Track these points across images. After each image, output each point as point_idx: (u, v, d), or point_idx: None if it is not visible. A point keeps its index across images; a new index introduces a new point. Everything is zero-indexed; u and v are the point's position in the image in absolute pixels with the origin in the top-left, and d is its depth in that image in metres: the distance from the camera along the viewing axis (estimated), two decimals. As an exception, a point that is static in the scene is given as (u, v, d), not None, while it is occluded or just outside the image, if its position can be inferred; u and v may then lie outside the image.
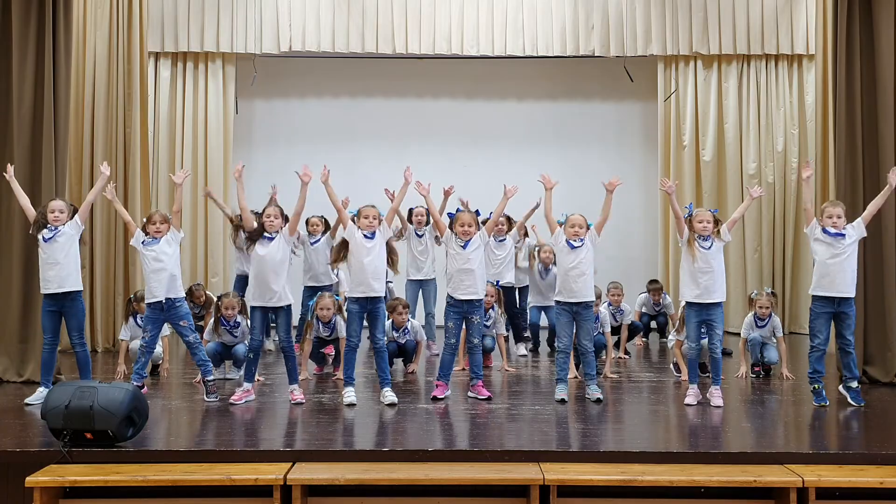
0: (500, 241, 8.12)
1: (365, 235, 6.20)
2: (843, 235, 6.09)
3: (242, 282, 8.45)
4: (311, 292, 7.64)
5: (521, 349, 8.60)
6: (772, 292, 7.66)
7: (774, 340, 7.42)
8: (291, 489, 4.52)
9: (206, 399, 6.22)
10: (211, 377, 6.32)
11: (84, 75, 8.80)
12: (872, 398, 6.46)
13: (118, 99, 8.98)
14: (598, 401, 6.22)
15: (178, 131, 10.76)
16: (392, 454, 4.88)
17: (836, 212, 6.15)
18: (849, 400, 6.17)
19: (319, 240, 7.84)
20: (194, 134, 10.78)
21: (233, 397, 6.19)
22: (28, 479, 4.50)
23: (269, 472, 4.58)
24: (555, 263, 8.07)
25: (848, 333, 6.14)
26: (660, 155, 10.93)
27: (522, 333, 8.66)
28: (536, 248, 8.55)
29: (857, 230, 6.16)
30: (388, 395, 6.19)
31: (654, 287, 9.38)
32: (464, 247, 6.29)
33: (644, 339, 9.49)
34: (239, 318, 7.05)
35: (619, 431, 5.59)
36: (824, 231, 6.13)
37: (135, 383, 5.97)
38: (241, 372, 6.60)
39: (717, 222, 6.24)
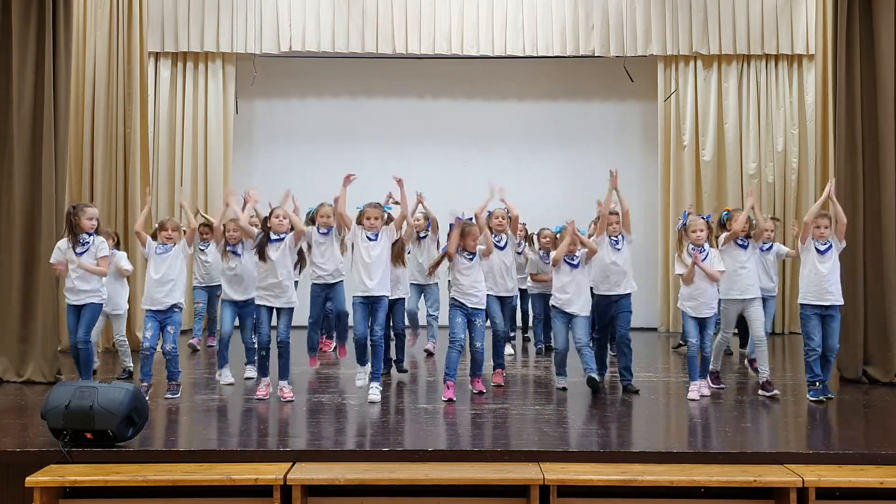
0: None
1: (368, 237, 6.32)
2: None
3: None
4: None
5: (508, 348, 8.59)
6: (773, 217, 7.62)
7: (774, 278, 7.31)
8: (291, 489, 4.52)
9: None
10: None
11: (84, 75, 8.80)
12: (872, 398, 6.47)
13: (118, 99, 8.97)
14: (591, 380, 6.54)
15: (178, 131, 10.77)
16: (392, 454, 4.88)
17: (825, 222, 6.38)
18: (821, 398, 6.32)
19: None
20: (194, 134, 10.78)
21: (258, 393, 6.38)
22: (28, 479, 4.50)
23: (269, 472, 4.58)
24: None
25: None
26: (660, 155, 10.94)
27: (509, 334, 8.72)
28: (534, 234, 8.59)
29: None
30: (373, 392, 6.29)
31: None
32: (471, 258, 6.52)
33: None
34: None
35: (619, 431, 5.59)
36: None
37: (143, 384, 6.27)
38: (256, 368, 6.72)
39: (710, 230, 6.62)
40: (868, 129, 7.22)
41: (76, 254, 6.39)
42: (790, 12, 10.58)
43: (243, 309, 6.89)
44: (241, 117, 11.11)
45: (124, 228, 8.96)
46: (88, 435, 4.79)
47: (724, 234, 6.67)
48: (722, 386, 6.77)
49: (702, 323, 6.50)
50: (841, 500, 4.58)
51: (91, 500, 4.61)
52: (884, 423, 5.77)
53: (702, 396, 6.41)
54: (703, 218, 6.79)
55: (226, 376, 6.95)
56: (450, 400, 6.24)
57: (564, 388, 6.70)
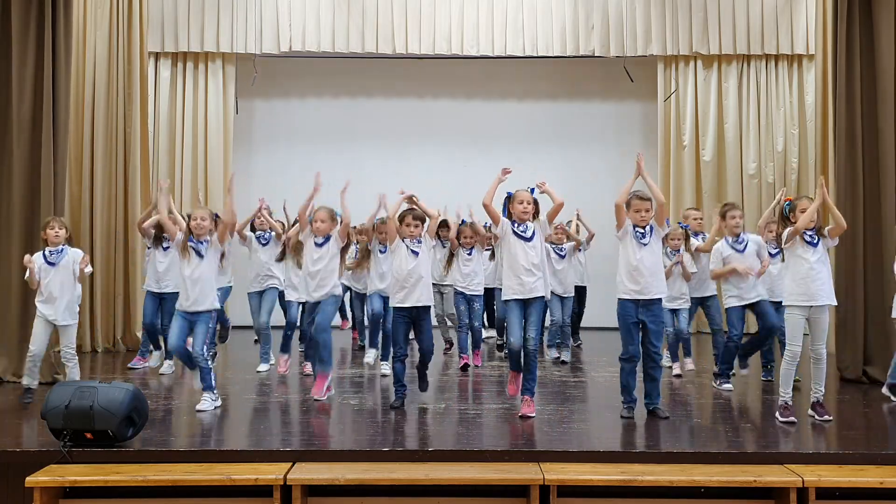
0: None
1: (380, 251, 7.32)
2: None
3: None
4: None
5: (492, 332, 9.40)
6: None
7: None
8: (291, 489, 4.52)
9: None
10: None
11: (84, 75, 8.80)
12: (872, 398, 6.47)
13: (118, 99, 8.98)
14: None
15: (178, 131, 10.79)
16: (392, 454, 4.88)
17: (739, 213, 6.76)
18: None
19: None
20: (194, 134, 10.80)
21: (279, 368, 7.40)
22: (28, 479, 4.50)
23: (269, 472, 4.58)
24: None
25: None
26: (660, 155, 10.94)
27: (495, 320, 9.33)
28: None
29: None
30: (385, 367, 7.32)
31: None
32: (469, 253, 7.82)
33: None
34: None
35: (619, 431, 5.58)
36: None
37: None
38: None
39: (687, 238, 7.35)
40: (868, 129, 7.22)
41: (163, 248, 7.42)
42: (790, 12, 10.59)
43: (196, 317, 5.95)
44: (241, 117, 11.12)
45: (125, 228, 8.98)
46: (88, 435, 4.79)
47: (788, 230, 5.71)
48: (793, 419, 5.63)
49: (675, 312, 7.41)
50: (841, 500, 4.57)
51: (91, 500, 4.60)
52: (884, 423, 5.77)
53: (683, 371, 7.43)
54: (681, 227, 7.50)
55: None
56: (465, 366, 7.65)
57: (559, 359, 8.05)
